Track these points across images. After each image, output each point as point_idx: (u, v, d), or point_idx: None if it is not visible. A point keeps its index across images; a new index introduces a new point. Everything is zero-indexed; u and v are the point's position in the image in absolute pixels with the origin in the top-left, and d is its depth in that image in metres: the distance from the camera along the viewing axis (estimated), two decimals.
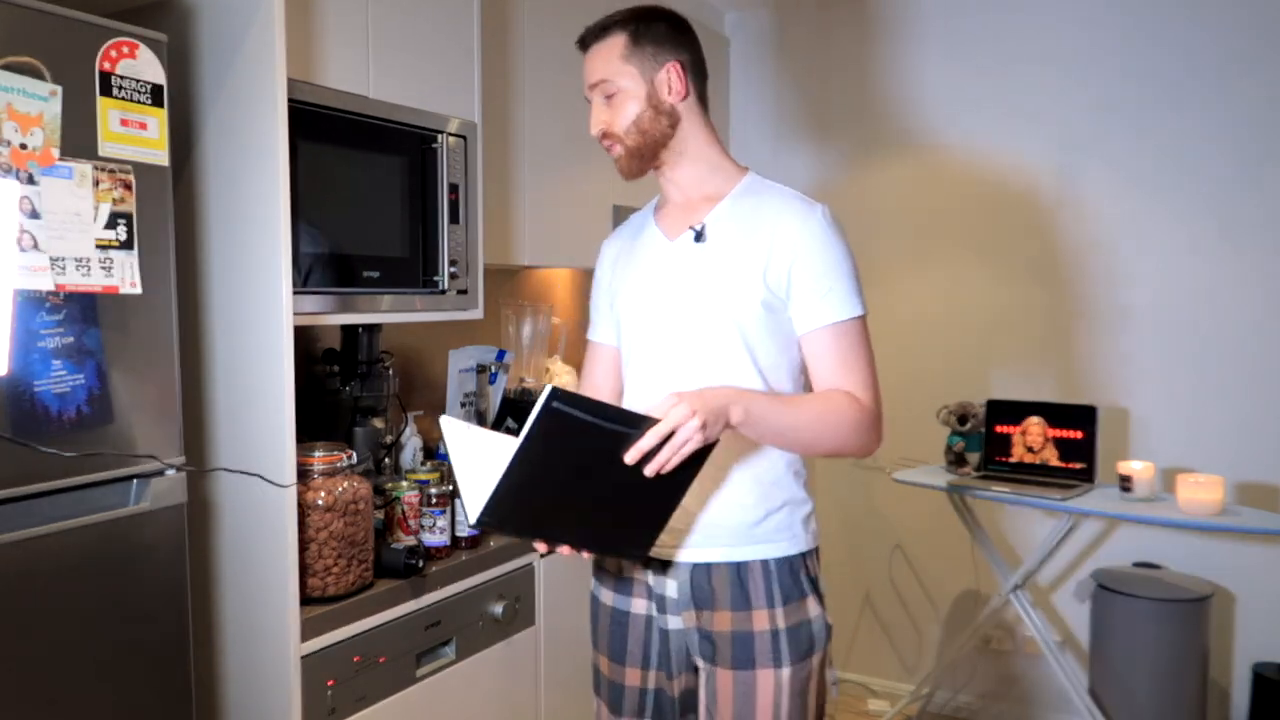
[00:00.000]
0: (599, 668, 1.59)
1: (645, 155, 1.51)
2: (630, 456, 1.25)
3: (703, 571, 1.46)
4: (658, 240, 1.55)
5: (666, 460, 1.25)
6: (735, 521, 1.45)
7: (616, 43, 1.49)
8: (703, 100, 1.54)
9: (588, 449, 1.25)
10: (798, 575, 1.46)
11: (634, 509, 1.33)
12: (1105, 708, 2.76)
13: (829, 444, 1.42)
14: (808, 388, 1.51)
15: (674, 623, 1.49)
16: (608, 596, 1.57)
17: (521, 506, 1.26)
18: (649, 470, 1.26)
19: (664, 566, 1.49)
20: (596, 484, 1.29)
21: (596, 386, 1.65)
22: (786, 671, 1.43)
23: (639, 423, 1.27)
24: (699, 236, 1.50)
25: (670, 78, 1.48)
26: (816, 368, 1.46)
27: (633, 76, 1.48)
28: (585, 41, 1.53)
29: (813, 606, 1.47)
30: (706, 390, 1.33)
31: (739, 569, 1.45)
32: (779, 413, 1.38)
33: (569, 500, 1.30)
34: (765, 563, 1.45)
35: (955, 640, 3.17)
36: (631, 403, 1.53)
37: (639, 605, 1.53)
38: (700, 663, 1.48)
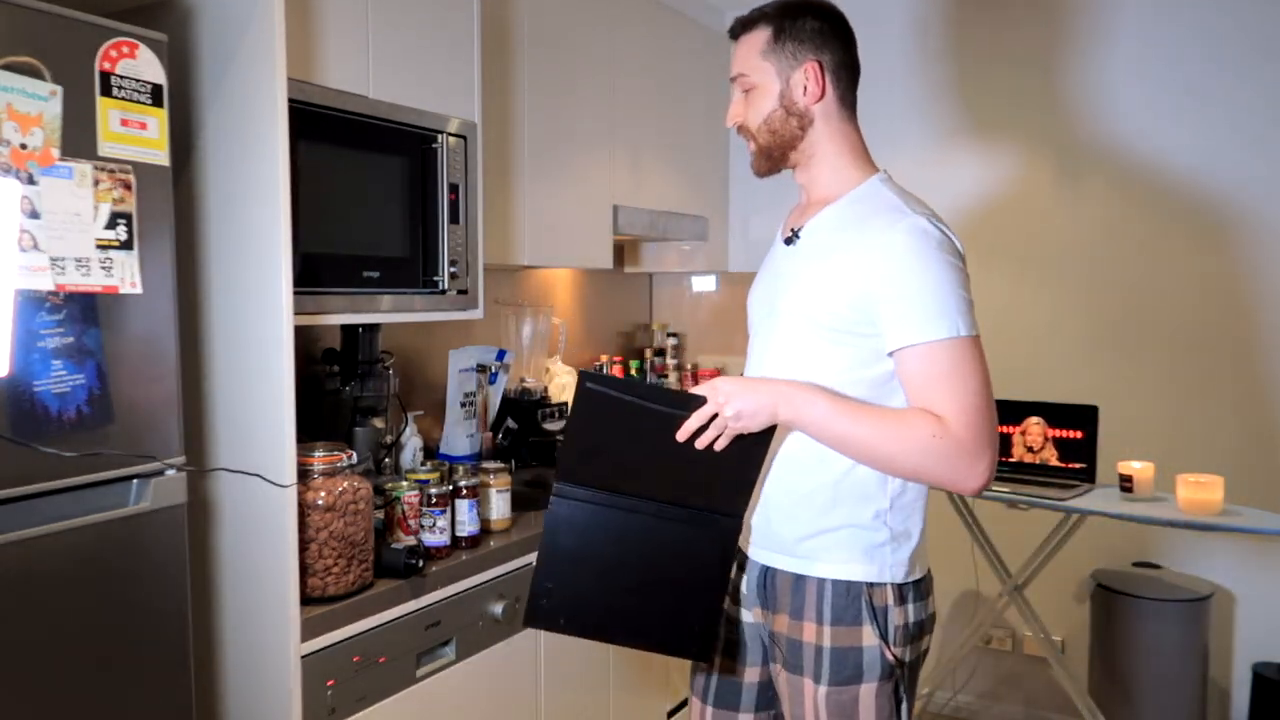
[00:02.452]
0: None
1: (774, 155, 1.51)
2: (681, 435, 1.34)
3: (770, 573, 1.48)
4: (776, 239, 1.58)
5: (710, 439, 1.34)
6: (787, 532, 1.45)
7: (760, 37, 1.47)
8: (846, 102, 1.50)
9: (638, 427, 1.37)
10: (856, 600, 1.41)
11: (706, 483, 1.39)
12: (1105, 708, 2.76)
13: (900, 464, 1.34)
14: None
15: (746, 616, 1.53)
16: None
17: (591, 467, 1.40)
18: (700, 443, 1.34)
19: (740, 561, 1.53)
20: (660, 461, 1.38)
21: None
22: (824, 689, 1.41)
23: (688, 403, 1.35)
24: (790, 240, 1.51)
25: (807, 79, 1.45)
26: (905, 391, 1.37)
27: (769, 74, 1.46)
28: (734, 32, 1.51)
29: (869, 636, 1.40)
30: (760, 382, 1.38)
31: (798, 580, 1.44)
32: (838, 418, 1.34)
33: (636, 471, 1.40)
34: (821, 580, 1.42)
35: (955, 640, 3.17)
36: None
37: None
38: (774, 661, 1.50)
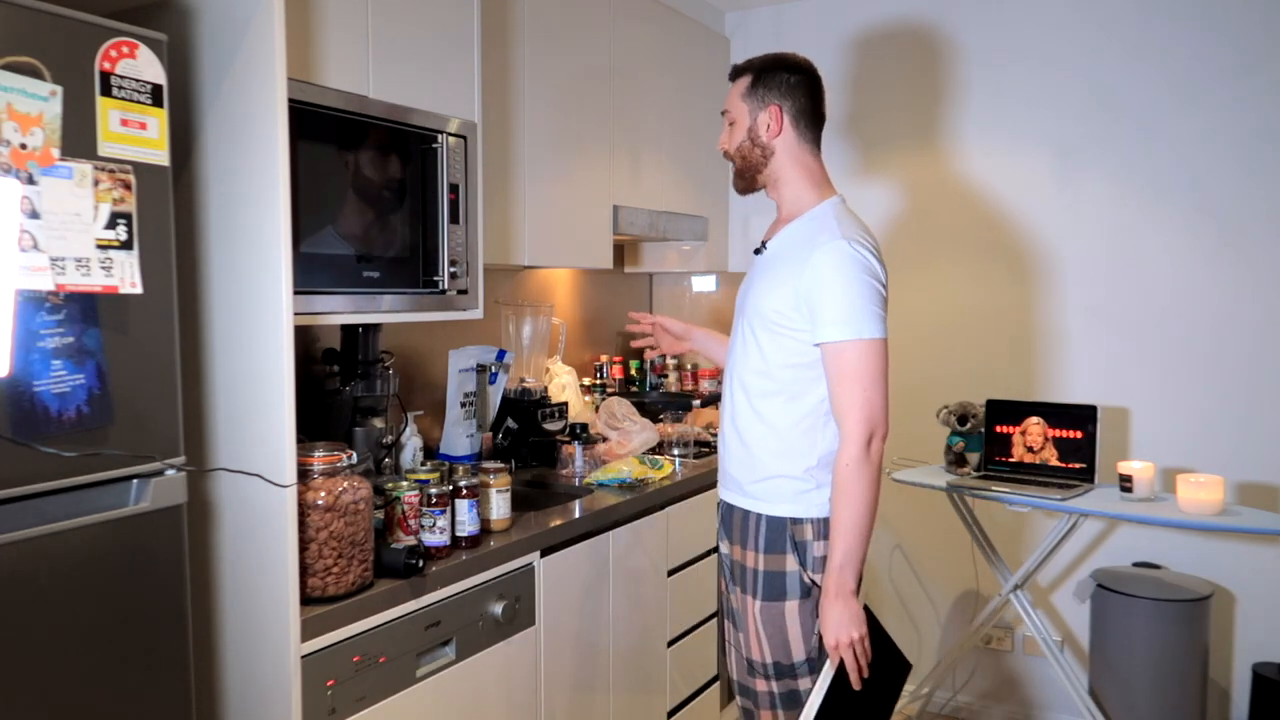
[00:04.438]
0: None
1: (745, 177, 1.88)
2: (857, 684, 1.69)
3: (729, 509, 1.89)
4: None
5: (864, 666, 1.70)
6: (739, 478, 1.85)
7: (743, 83, 1.85)
8: (806, 139, 1.83)
9: (844, 703, 1.72)
10: (782, 534, 1.78)
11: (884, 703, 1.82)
12: (1105, 708, 2.76)
13: (870, 501, 1.69)
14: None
15: (723, 547, 1.93)
16: None
17: None
18: (863, 674, 1.70)
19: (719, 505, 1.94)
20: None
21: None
22: (759, 604, 1.80)
23: (834, 669, 1.71)
24: (759, 250, 1.88)
25: (770, 119, 1.81)
26: (826, 376, 1.73)
27: (744, 112, 1.84)
28: (731, 76, 1.89)
29: (790, 563, 1.77)
30: (825, 611, 1.69)
31: (745, 515, 1.83)
32: (847, 540, 1.68)
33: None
34: (759, 516, 1.80)
35: (955, 640, 3.17)
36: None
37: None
38: (732, 581, 1.89)
